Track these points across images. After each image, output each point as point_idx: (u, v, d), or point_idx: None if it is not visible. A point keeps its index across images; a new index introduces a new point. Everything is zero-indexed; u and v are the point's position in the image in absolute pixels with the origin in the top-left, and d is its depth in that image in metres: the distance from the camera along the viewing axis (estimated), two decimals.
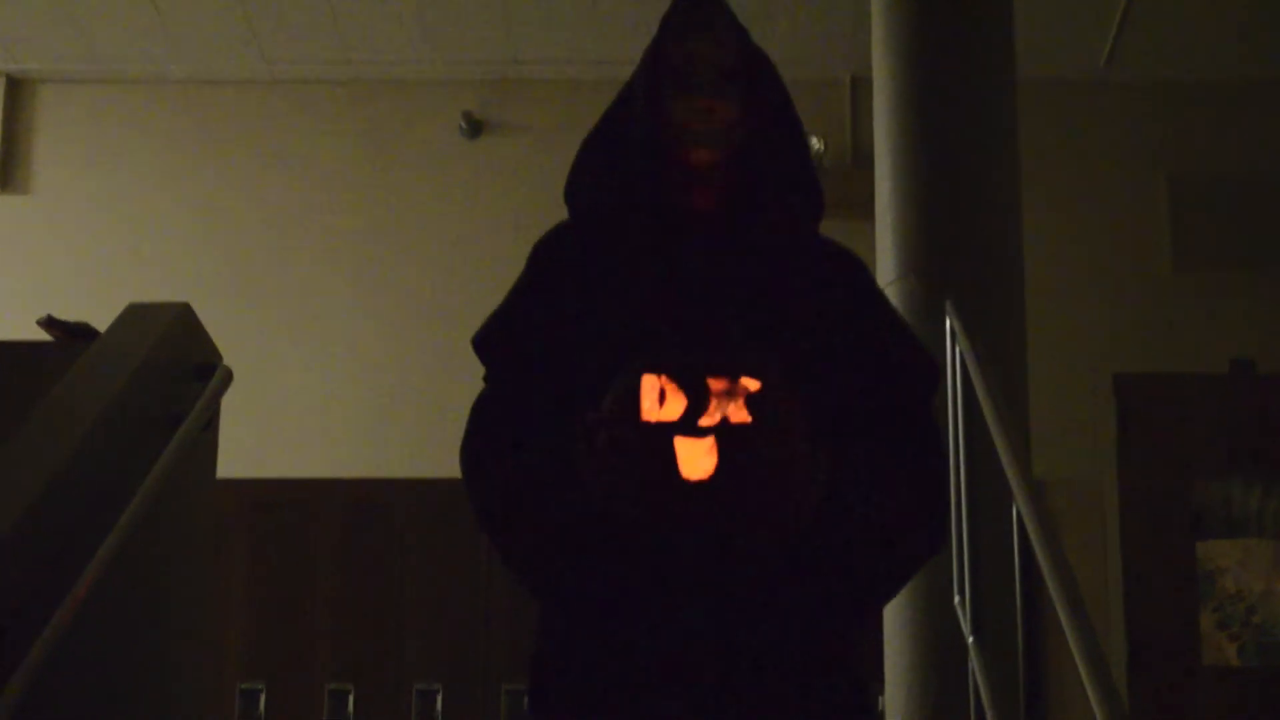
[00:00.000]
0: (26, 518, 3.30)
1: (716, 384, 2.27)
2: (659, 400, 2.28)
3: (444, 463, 8.50)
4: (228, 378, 4.72)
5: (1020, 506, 3.80)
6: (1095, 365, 8.40)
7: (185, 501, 4.51)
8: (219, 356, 4.80)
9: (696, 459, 2.26)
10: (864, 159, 7.58)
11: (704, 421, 2.26)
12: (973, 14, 5.63)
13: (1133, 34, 8.60)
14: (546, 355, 2.56)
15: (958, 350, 4.83)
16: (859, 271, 2.68)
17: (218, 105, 9.23)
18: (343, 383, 8.76)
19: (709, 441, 2.25)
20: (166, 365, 4.38)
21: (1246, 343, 8.47)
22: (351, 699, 8.15)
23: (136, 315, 4.50)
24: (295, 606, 8.29)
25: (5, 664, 3.06)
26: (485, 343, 2.70)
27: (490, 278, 8.70)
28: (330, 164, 9.12)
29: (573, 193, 2.77)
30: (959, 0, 5.61)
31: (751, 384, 2.27)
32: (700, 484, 2.25)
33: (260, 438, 8.05)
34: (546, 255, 2.73)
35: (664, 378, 2.29)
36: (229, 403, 4.83)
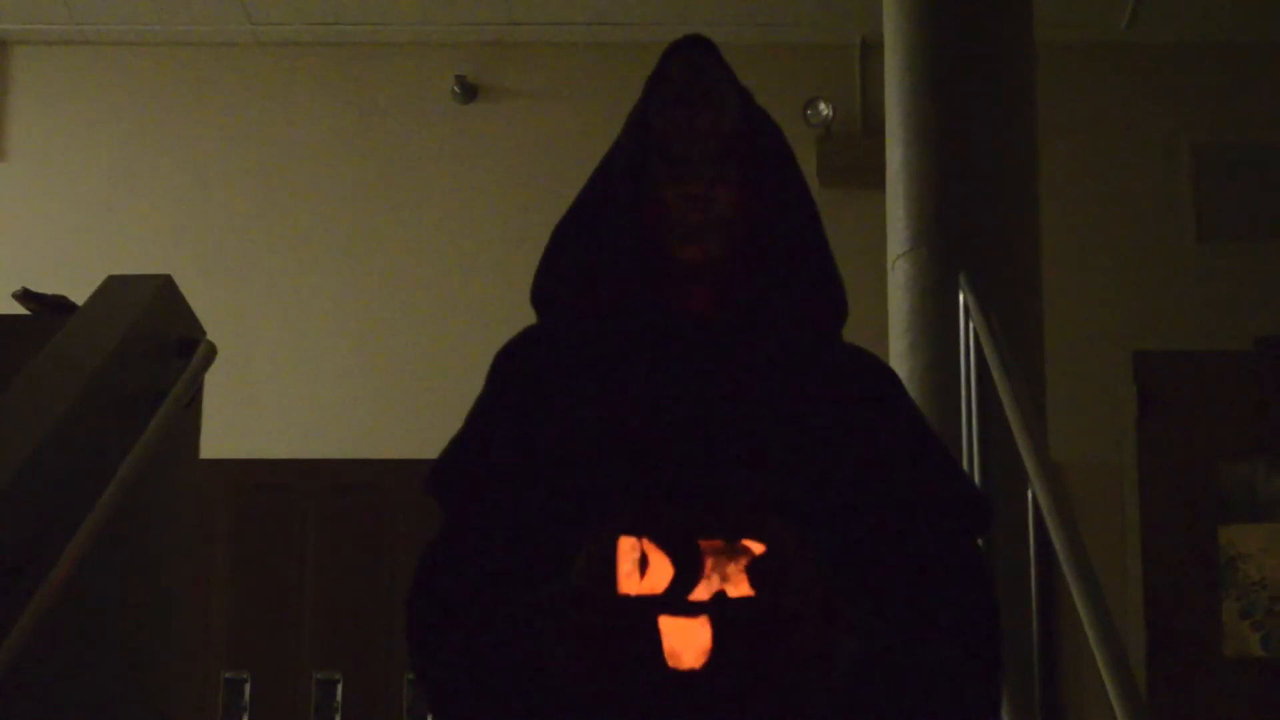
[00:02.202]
0: (6, 493, 3.31)
1: (711, 547, 1.91)
2: (639, 568, 1.91)
3: (436, 442, 8.52)
4: (211, 354, 4.73)
5: (1036, 491, 3.81)
6: (1115, 342, 8.42)
7: (166, 483, 4.52)
8: (202, 331, 4.81)
9: (687, 642, 1.88)
10: (874, 126, 7.57)
11: (696, 596, 1.90)
12: None
13: None
14: (509, 500, 2.19)
15: (971, 327, 4.83)
16: (890, 387, 2.32)
17: (202, 68, 9.23)
18: (330, 359, 8.76)
19: (702, 621, 1.89)
20: (147, 340, 4.39)
21: (1273, 319, 8.48)
22: (340, 688, 8.17)
23: (116, 288, 4.51)
24: (281, 592, 8.31)
25: None
26: (438, 482, 2.31)
27: (484, 250, 8.76)
28: (318, 130, 9.11)
29: (542, 293, 2.38)
30: None
31: (754, 547, 1.91)
32: (692, 673, 1.89)
33: (244, 416, 8.06)
34: (511, 371, 2.33)
35: (645, 540, 1.92)
36: (212, 380, 4.84)
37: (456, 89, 9.05)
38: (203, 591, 7.70)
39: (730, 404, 2.17)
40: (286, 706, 8.17)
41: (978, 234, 5.36)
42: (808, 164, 8.55)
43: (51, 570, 3.40)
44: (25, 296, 5.64)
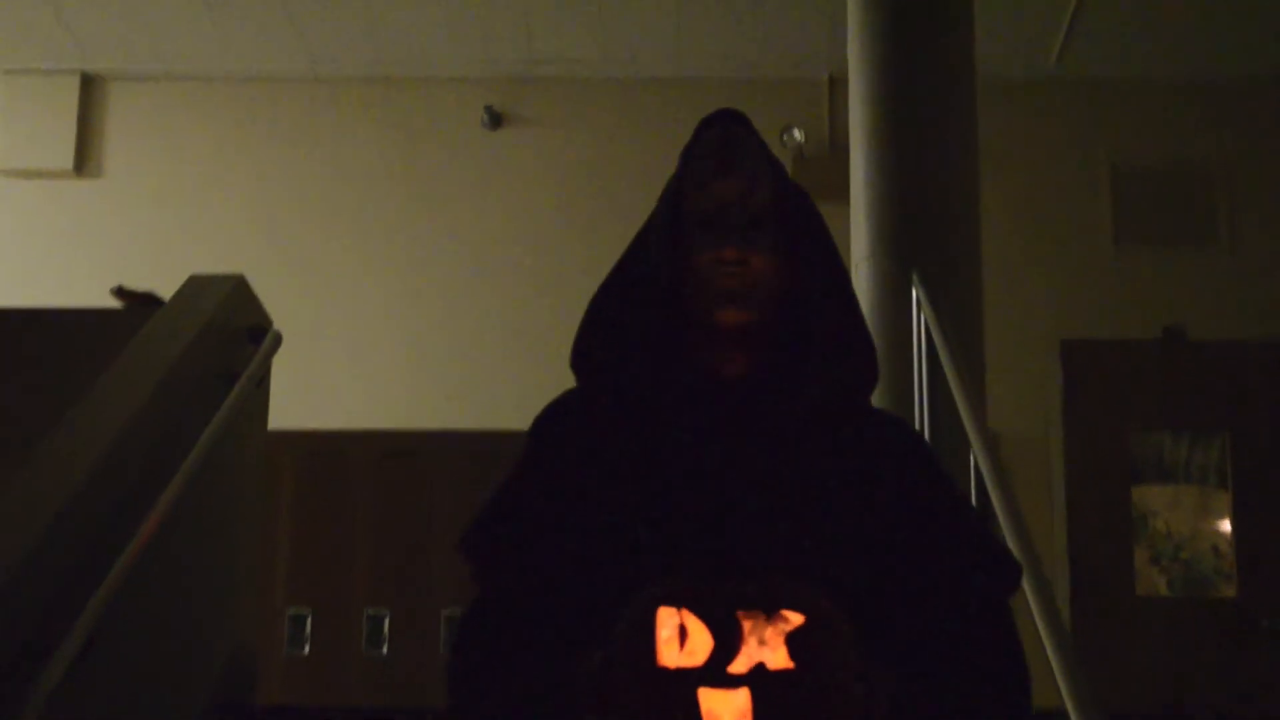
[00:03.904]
0: (102, 461, 3.32)
1: (750, 619, 1.66)
2: (679, 639, 1.67)
3: (468, 415, 8.54)
4: (277, 340, 4.74)
5: (977, 456, 3.81)
6: (1044, 332, 8.41)
7: (239, 449, 4.53)
8: (269, 322, 4.82)
9: (727, 715, 1.65)
10: (840, 149, 7.55)
11: (735, 668, 1.66)
12: (937, 20, 5.62)
13: (1080, 36, 8.58)
14: (545, 567, 1.93)
15: (922, 318, 4.83)
16: (919, 452, 2.07)
17: (266, 100, 9.22)
18: (378, 345, 8.77)
19: (741, 693, 1.65)
20: (223, 329, 4.39)
21: (1178, 312, 8.48)
22: (387, 622, 8.18)
23: (197, 285, 4.52)
24: (336, 542, 8.31)
25: (87, 587, 3.09)
26: (473, 545, 2.01)
27: (508, 255, 8.76)
28: (366, 152, 9.11)
29: (581, 357, 2.07)
30: (926, 7, 5.60)
31: (794, 618, 1.67)
32: None
33: (306, 394, 8.06)
34: (548, 435, 2.06)
35: (685, 611, 1.68)
36: (278, 363, 4.85)
37: (485, 117, 9.05)
38: (270, 540, 7.71)
39: (765, 470, 1.92)
40: (341, 638, 8.17)
41: (928, 241, 5.36)
42: None
43: (145, 521, 3.42)
44: (120, 293, 5.65)
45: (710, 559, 1.81)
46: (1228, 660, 7.84)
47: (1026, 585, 3.13)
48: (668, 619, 1.67)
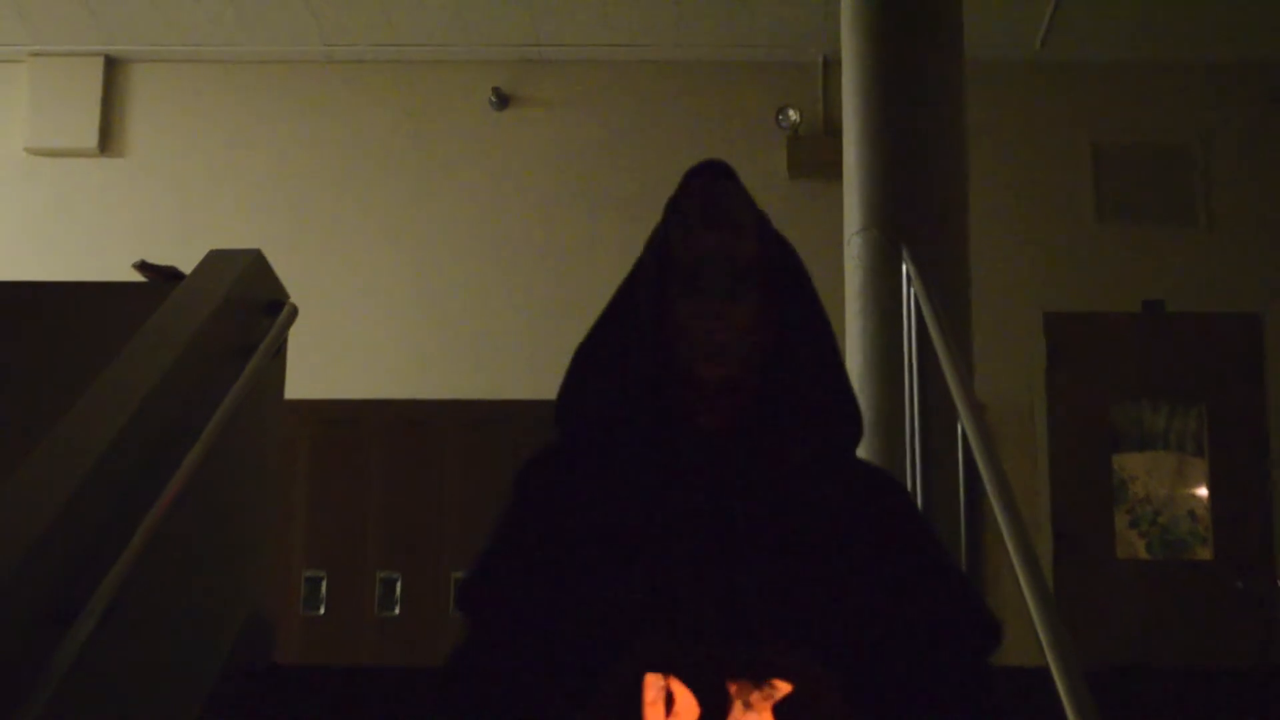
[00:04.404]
0: (128, 426, 3.32)
1: (738, 688, 1.57)
2: (665, 708, 1.57)
3: (475, 386, 8.54)
4: (293, 313, 4.72)
5: (964, 424, 3.81)
6: (1028, 304, 8.41)
7: (257, 418, 4.52)
8: (286, 295, 4.80)
9: None
10: (834, 129, 7.53)
11: None
12: (927, 5, 5.61)
13: (1064, 20, 8.56)
14: (531, 627, 1.81)
15: (912, 292, 4.82)
16: (901, 506, 1.98)
17: (283, 81, 9.20)
18: (390, 318, 8.76)
19: None
20: (241, 302, 4.38)
21: (1157, 287, 8.48)
22: (399, 585, 8.19)
23: (216, 260, 4.50)
24: (351, 507, 8.32)
25: (111, 551, 3.09)
26: (466, 599, 1.91)
27: (514, 231, 8.74)
28: (378, 131, 9.09)
29: (565, 408, 1.97)
30: None
31: (783, 687, 1.58)
32: None
33: (321, 365, 8.05)
34: (533, 487, 1.94)
35: (672, 678, 1.58)
36: (294, 335, 4.83)
37: (493, 98, 9.02)
38: (287, 505, 7.72)
39: (749, 527, 1.82)
40: (355, 599, 8.19)
41: (917, 216, 5.36)
42: (778, 162, 8.54)
43: (167, 487, 3.41)
44: (143, 267, 5.64)
45: (696, 621, 1.73)
46: (1203, 619, 7.86)
47: (1010, 546, 3.13)
48: (654, 684, 1.58)
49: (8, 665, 2.70)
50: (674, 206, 1.97)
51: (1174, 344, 8.36)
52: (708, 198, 1.94)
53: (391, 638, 8.07)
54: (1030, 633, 2.83)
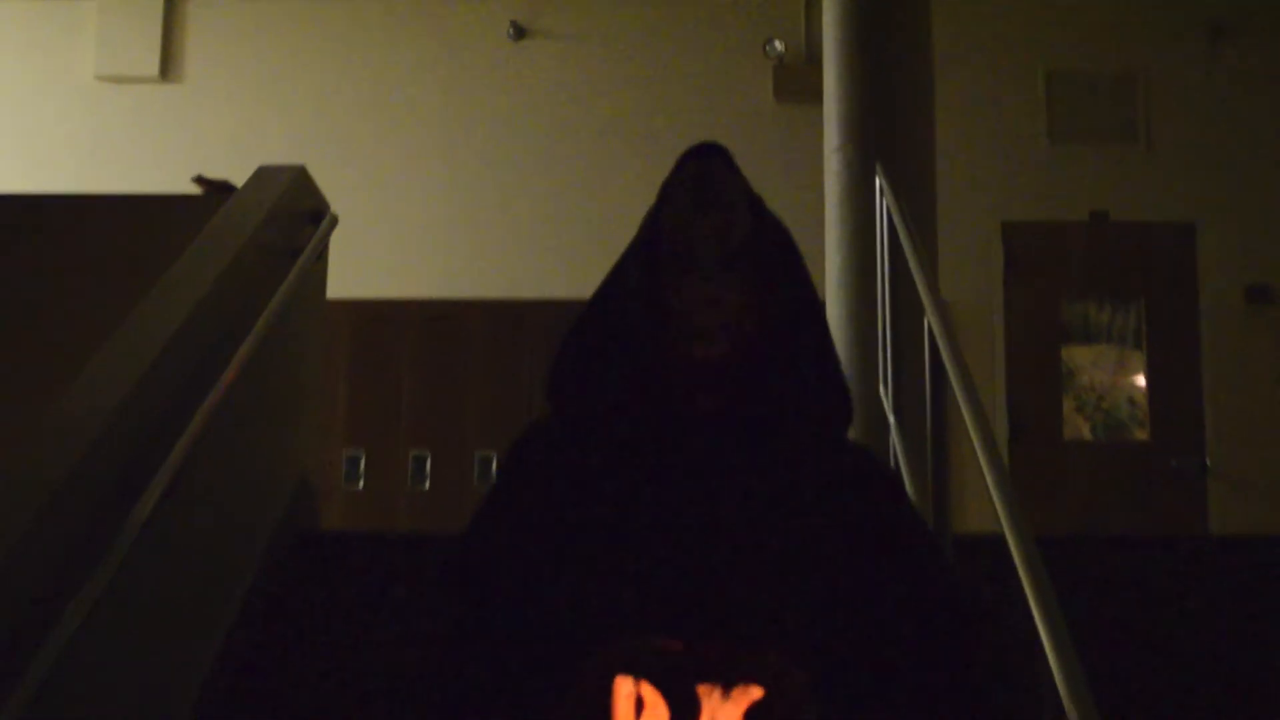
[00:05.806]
0: (187, 322, 3.33)
1: (708, 692, 1.41)
2: (635, 710, 1.41)
3: (497, 285, 8.51)
4: (334, 222, 4.72)
5: (930, 320, 3.80)
6: (988, 214, 8.38)
7: (303, 315, 4.53)
8: (327, 206, 4.80)
9: None
10: (816, 57, 7.48)
11: None
12: None
13: None
14: (508, 611, 1.62)
15: (885, 203, 4.80)
16: (889, 492, 1.78)
17: (325, 13, 9.12)
18: (421, 226, 8.73)
19: None
20: (287, 213, 4.38)
21: (1102, 198, 8.44)
22: (429, 462, 8.23)
23: (265, 174, 4.50)
24: (386, 394, 8.34)
25: (177, 427, 3.11)
26: (448, 576, 1.73)
27: (531, 150, 8.69)
28: (408, 60, 9.02)
29: (555, 388, 1.76)
30: None
31: (754, 691, 1.41)
32: None
33: (360, 267, 8.04)
34: (520, 470, 1.74)
35: (643, 682, 1.42)
36: (335, 241, 4.83)
37: (511, 30, 8.94)
38: (330, 392, 7.74)
39: (734, 513, 1.63)
40: (390, 475, 8.23)
41: (889, 135, 5.33)
42: (765, 88, 8.49)
43: (224, 372, 3.43)
44: (200, 181, 5.62)
45: (672, 614, 1.55)
46: (1141, 493, 7.91)
47: (970, 429, 3.13)
48: (625, 690, 1.42)
49: (91, 521, 2.74)
50: (667, 188, 1.77)
51: (1117, 250, 8.34)
52: (700, 179, 1.74)
53: (422, 509, 8.13)
54: (989, 505, 2.84)
